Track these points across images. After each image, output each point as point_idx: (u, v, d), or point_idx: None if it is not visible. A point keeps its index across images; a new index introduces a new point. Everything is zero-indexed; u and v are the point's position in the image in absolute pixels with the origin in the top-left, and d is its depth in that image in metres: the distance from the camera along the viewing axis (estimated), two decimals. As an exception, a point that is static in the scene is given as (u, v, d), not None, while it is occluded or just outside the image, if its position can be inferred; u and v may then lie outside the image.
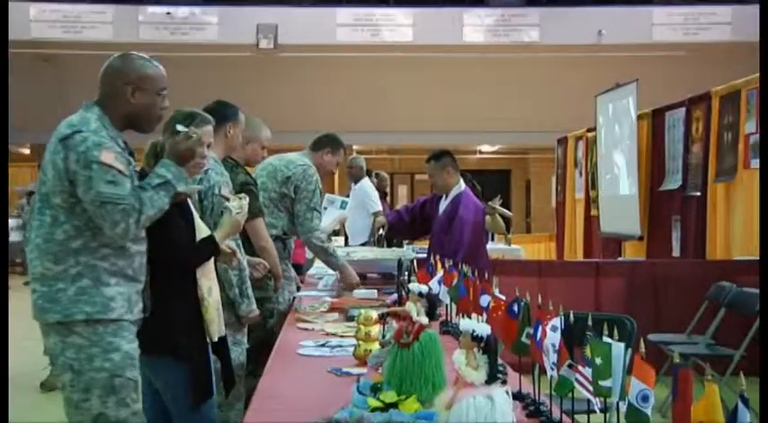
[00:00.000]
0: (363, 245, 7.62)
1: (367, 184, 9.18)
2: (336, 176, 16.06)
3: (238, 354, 4.18)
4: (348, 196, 8.72)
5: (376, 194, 9.14)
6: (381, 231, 6.38)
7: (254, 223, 4.61)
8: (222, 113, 4.33)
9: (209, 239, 3.54)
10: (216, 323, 3.55)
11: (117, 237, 3.08)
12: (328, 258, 5.38)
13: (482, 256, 6.16)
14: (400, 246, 7.22)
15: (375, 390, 2.58)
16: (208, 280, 3.55)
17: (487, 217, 6.45)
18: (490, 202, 6.46)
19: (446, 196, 6.24)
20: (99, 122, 3.17)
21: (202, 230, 3.54)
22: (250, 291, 4.19)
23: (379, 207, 8.89)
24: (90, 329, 3.10)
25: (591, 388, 2.02)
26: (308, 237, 5.20)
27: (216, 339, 3.58)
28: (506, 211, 6.59)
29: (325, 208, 7.59)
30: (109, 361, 3.12)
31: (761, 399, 3.14)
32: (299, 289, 5.41)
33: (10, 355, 4.90)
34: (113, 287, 3.15)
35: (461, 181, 6.29)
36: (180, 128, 3.46)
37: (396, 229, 6.52)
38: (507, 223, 6.22)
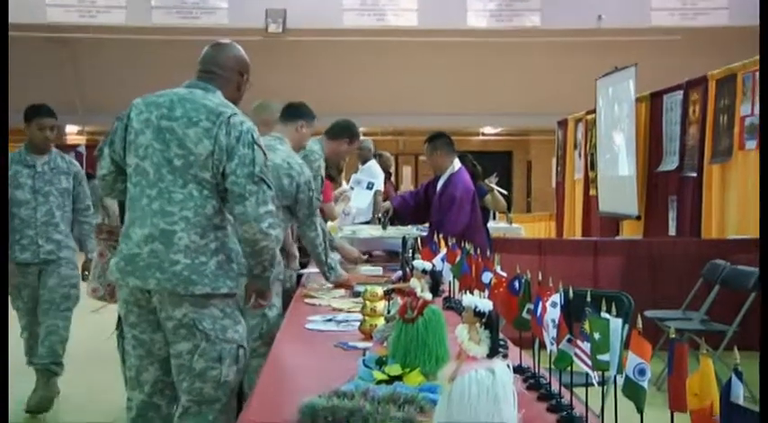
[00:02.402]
0: (366, 223, 7.68)
1: (374, 164, 9.26)
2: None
3: (275, 314, 4.25)
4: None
5: (382, 175, 9.25)
6: (388, 215, 6.42)
7: None
8: (297, 111, 4.69)
9: None
10: None
11: (255, 216, 3.11)
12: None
13: (477, 233, 6.13)
14: (404, 225, 7.31)
15: (380, 363, 2.62)
16: None
17: (488, 196, 6.52)
18: (487, 180, 6.52)
19: (442, 177, 6.33)
20: None
21: None
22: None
23: (382, 187, 8.99)
24: (224, 302, 3.20)
25: (589, 362, 2.01)
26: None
27: None
28: (501, 189, 6.63)
29: (352, 188, 7.67)
30: (237, 332, 3.24)
31: (761, 386, 3.17)
32: (303, 267, 5.47)
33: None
34: (236, 263, 3.24)
35: (455, 162, 6.33)
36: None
37: (401, 214, 6.53)
38: (507, 201, 6.26)
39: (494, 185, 6.57)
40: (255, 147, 3.16)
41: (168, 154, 3.17)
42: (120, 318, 3.73)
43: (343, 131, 5.51)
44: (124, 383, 3.50)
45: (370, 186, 7.83)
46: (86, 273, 5.78)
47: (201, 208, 3.15)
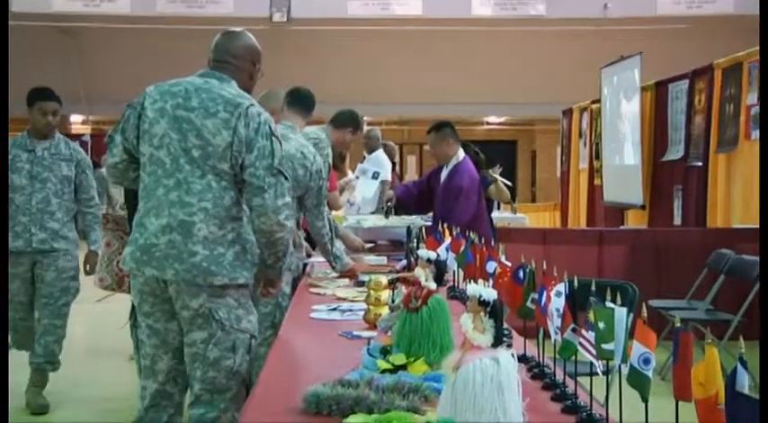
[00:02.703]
0: (373, 213, 7.67)
1: (381, 154, 9.20)
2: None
3: (288, 303, 4.25)
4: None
5: (389, 165, 9.19)
6: (390, 203, 6.42)
7: None
8: (308, 102, 4.78)
9: None
10: None
11: (273, 208, 3.13)
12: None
13: (482, 223, 6.13)
14: (408, 214, 7.31)
15: (385, 352, 2.62)
16: None
17: (492, 186, 6.50)
18: (490, 170, 6.49)
19: (446, 166, 6.30)
20: None
21: None
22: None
23: (389, 177, 8.95)
24: (239, 292, 3.21)
25: (594, 351, 1.99)
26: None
27: None
28: (505, 180, 6.60)
29: (357, 177, 7.64)
30: (250, 323, 3.26)
31: (761, 371, 3.17)
32: (309, 256, 5.46)
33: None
34: (250, 254, 3.24)
35: (460, 151, 6.32)
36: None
37: (404, 203, 6.51)
38: (511, 192, 6.23)
39: (497, 176, 6.54)
40: (273, 138, 3.17)
41: (186, 144, 3.16)
42: (133, 307, 3.73)
43: (347, 121, 5.50)
44: (137, 372, 3.50)
45: (375, 176, 7.81)
46: (88, 266, 5.67)
47: (220, 199, 3.15)
